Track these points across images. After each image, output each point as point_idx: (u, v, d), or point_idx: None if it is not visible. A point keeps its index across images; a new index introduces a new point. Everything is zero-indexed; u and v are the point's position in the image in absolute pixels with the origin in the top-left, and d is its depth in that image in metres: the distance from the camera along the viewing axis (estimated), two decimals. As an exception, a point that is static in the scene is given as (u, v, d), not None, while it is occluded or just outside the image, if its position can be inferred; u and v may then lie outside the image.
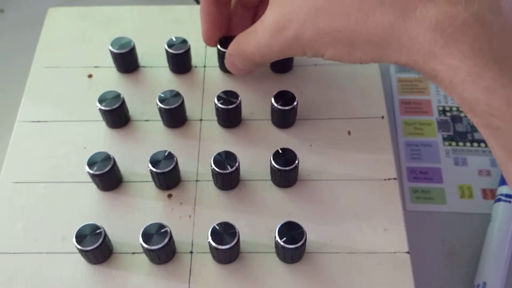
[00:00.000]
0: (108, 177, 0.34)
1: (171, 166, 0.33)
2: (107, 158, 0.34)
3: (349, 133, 0.37)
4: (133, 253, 0.33)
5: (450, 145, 0.44)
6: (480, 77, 0.24)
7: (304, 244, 0.31)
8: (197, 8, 0.45)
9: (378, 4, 0.26)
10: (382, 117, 0.38)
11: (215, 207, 0.34)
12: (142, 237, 0.31)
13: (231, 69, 0.37)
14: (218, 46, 0.38)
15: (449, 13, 0.25)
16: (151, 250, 0.30)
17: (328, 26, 0.28)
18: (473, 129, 0.45)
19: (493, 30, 0.24)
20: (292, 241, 0.30)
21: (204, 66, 0.41)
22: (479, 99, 0.24)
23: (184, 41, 0.39)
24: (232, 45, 0.36)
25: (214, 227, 0.31)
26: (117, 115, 0.37)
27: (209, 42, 0.38)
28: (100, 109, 0.36)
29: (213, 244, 0.30)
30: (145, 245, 0.30)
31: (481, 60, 0.24)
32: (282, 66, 0.40)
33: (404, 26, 0.26)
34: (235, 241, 0.30)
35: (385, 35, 0.26)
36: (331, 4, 0.28)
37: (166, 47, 0.39)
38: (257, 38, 0.32)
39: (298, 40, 0.30)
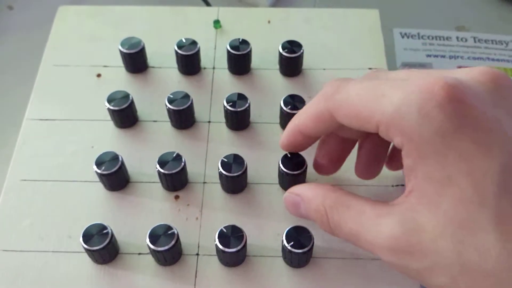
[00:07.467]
0: (115, 177, 0.34)
1: (179, 168, 0.33)
2: (115, 158, 0.34)
3: (357, 138, 0.37)
4: (139, 253, 0.33)
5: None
6: None
7: (311, 249, 0.30)
8: (207, 10, 0.45)
9: None
10: (391, 123, 0.38)
11: (222, 209, 0.34)
12: (149, 238, 0.31)
13: (288, 207, 0.31)
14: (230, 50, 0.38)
15: None
16: (158, 252, 0.30)
17: None
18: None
19: None
20: (300, 245, 0.30)
21: (213, 68, 0.41)
22: None
23: (194, 43, 0.39)
24: (320, 200, 0.28)
25: (221, 230, 0.31)
26: (125, 115, 0.37)
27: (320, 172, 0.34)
28: (108, 109, 0.36)
29: (220, 247, 0.30)
30: (152, 246, 0.30)
31: None
32: (292, 69, 0.40)
33: None
34: (242, 245, 0.30)
35: None
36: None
37: (176, 48, 0.39)
38: (372, 240, 0.25)
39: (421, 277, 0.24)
